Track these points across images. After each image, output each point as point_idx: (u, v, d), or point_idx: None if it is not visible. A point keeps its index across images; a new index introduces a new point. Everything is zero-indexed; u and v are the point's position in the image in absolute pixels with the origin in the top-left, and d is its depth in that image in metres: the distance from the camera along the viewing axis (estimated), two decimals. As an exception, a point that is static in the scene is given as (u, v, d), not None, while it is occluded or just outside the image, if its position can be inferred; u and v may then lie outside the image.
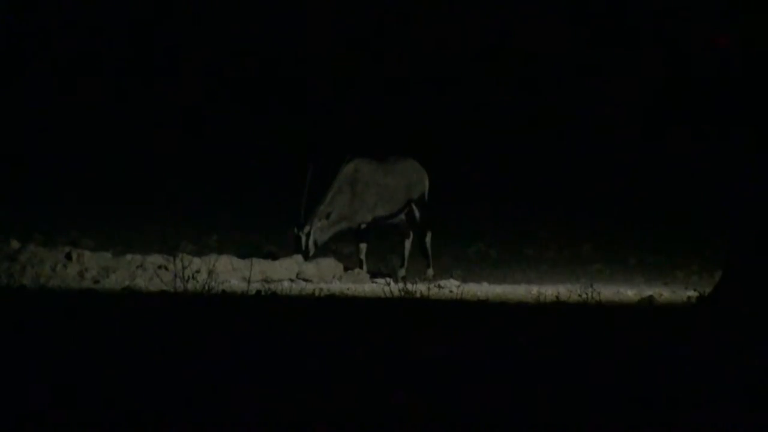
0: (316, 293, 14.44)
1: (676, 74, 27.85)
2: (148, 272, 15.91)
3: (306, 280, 16.58)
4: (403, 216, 18.00)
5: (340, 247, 20.37)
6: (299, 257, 16.92)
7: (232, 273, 16.32)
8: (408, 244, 17.99)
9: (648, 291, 15.93)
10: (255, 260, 16.61)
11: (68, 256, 16.08)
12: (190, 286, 13.85)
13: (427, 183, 18.08)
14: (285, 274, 16.61)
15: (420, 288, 14.35)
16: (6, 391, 8.00)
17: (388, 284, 15.28)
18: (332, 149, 19.29)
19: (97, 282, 15.65)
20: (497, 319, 11.82)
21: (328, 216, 17.28)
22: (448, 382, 8.48)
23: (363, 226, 17.56)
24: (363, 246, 17.53)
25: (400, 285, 14.69)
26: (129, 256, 16.34)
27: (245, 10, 29.41)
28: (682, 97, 27.70)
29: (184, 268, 14.70)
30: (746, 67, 13.06)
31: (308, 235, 17.17)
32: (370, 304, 13.06)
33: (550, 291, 15.46)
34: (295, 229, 17.24)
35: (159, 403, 7.76)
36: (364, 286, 16.30)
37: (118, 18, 29.15)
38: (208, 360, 8.96)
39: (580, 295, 14.32)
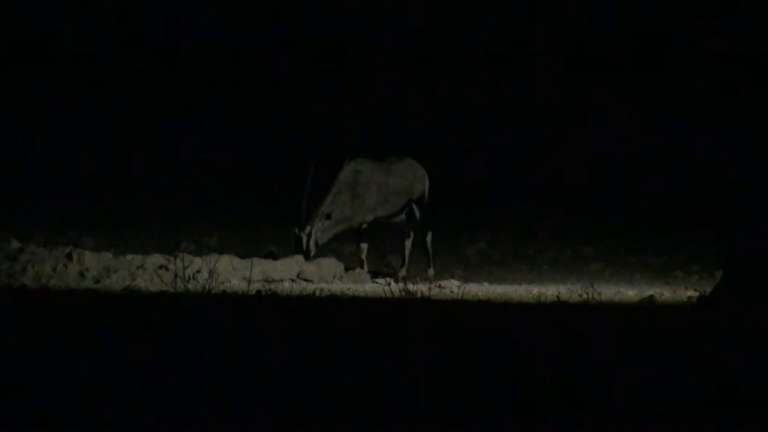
0: (317, 293, 14.44)
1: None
2: (149, 272, 15.91)
3: (307, 280, 16.59)
4: (403, 216, 18.00)
5: (341, 247, 20.36)
6: (300, 257, 16.92)
7: (232, 273, 16.32)
8: (408, 244, 17.98)
9: (649, 291, 15.93)
10: (256, 260, 16.61)
11: (69, 256, 16.08)
12: (190, 286, 13.86)
13: (427, 183, 18.08)
14: (286, 274, 16.61)
15: (421, 288, 14.35)
16: (6, 390, 8.00)
17: (389, 284, 15.28)
18: (333, 149, 19.29)
19: (97, 282, 15.65)
20: (498, 320, 11.82)
21: (328, 217, 17.28)
22: (449, 382, 8.48)
23: (364, 226, 17.57)
24: (364, 246, 17.53)
25: (401, 285, 14.69)
26: (129, 256, 16.34)
27: (244, 9, 29.42)
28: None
29: (184, 268, 14.71)
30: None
31: (309, 235, 17.16)
32: (371, 305, 13.07)
33: (550, 291, 15.46)
34: (296, 230, 17.24)
35: (159, 404, 7.76)
36: (365, 286, 16.30)
37: (118, 14, 29.15)
38: (208, 360, 8.96)
39: (580, 295, 14.32)
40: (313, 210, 17.26)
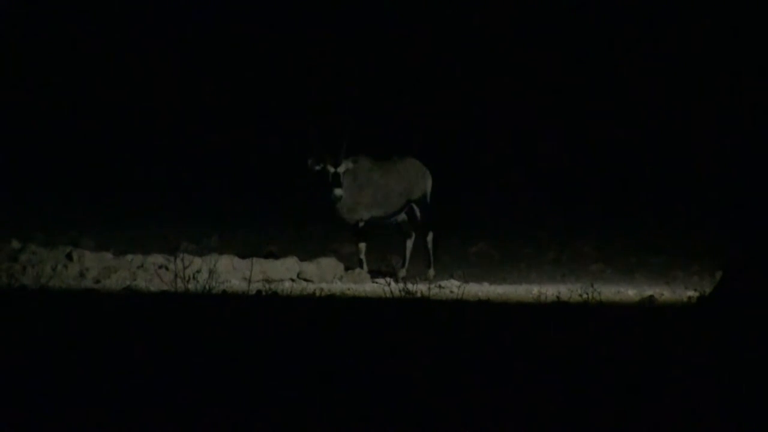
0: (317, 293, 14.44)
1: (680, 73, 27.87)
2: (149, 272, 15.91)
3: (307, 280, 16.59)
4: (404, 216, 17.99)
5: (341, 247, 20.38)
6: (296, 258, 16.91)
7: (232, 273, 16.32)
8: (410, 244, 17.97)
9: (648, 291, 15.93)
10: (256, 260, 16.61)
11: (69, 256, 16.08)
12: (190, 286, 13.86)
13: (429, 183, 18.06)
14: (286, 274, 16.61)
15: (420, 288, 14.35)
16: (6, 391, 8.00)
17: (389, 284, 15.27)
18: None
19: (97, 282, 15.65)
20: (498, 320, 11.82)
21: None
22: (449, 382, 8.48)
23: (361, 224, 17.55)
24: (363, 246, 17.51)
25: (401, 285, 14.69)
26: (130, 256, 16.34)
27: (246, 7, 29.41)
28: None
29: (184, 268, 14.72)
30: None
31: (343, 174, 17.16)
32: (371, 305, 13.07)
33: (550, 291, 15.46)
34: (329, 166, 17.15)
35: (159, 404, 7.76)
36: (365, 286, 16.29)
37: (117, 14, 29.15)
38: (208, 360, 8.96)
39: (580, 295, 14.32)
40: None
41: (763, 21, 13.22)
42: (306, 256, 17.48)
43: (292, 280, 16.53)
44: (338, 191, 17.10)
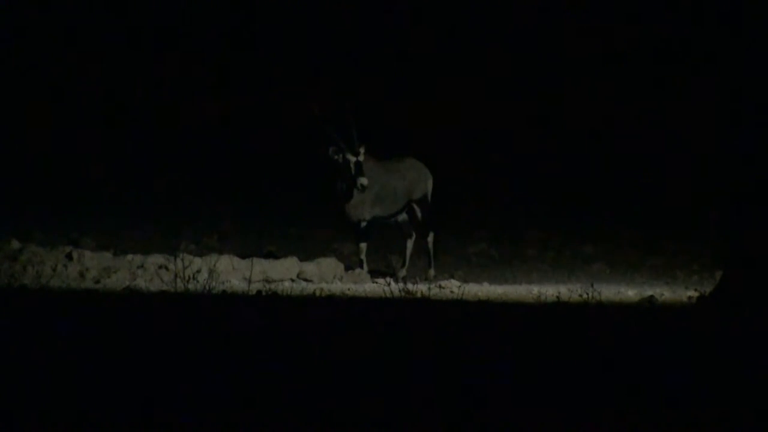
0: (317, 293, 14.44)
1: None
2: (149, 272, 15.91)
3: (307, 280, 16.59)
4: (405, 216, 17.98)
5: (341, 247, 20.38)
6: (296, 258, 16.91)
7: (232, 273, 16.32)
8: (410, 244, 17.97)
9: (649, 291, 15.93)
10: (256, 260, 16.61)
11: (69, 256, 16.08)
12: (190, 286, 13.87)
13: (430, 183, 18.05)
14: (286, 274, 16.61)
15: (421, 288, 14.35)
16: (6, 391, 8.00)
17: (389, 284, 15.27)
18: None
19: (97, 282, 15.65)
20: (498, 320, 11.82)
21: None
22: (448, 382, 8.49)
23: (363, 224, 17.54)
24: (363, 246, 17.50)
25: (401, 285, 14.69)
26: (130, 256, 16.34)
27: (245, 7, 29.43)
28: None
29: (184, 268, 14.72)
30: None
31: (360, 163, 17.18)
32: (371, 305, 13.07)
33: (550, 291, 15.46)
34: (349, 156, 17.15)
35: (159, 404, 7.76)
36: (365, 286, 16.29)
37: (117, 13, 29.15)
38: (208, 360, 8.96)
39: (580, 295, 14.32)
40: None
41: (762, 21, 13.22)
42: (306, 256, 17.49)
43: (292, 280, 16.53)
44: (363, 180, 17.10)
